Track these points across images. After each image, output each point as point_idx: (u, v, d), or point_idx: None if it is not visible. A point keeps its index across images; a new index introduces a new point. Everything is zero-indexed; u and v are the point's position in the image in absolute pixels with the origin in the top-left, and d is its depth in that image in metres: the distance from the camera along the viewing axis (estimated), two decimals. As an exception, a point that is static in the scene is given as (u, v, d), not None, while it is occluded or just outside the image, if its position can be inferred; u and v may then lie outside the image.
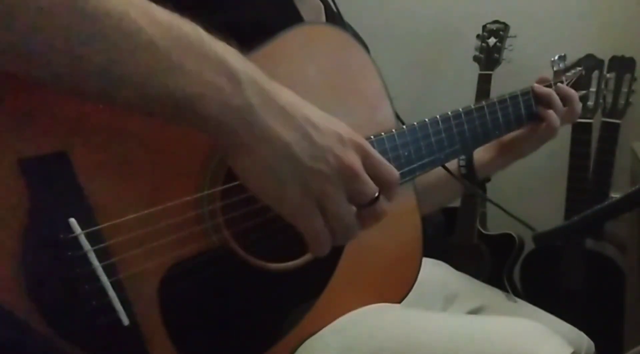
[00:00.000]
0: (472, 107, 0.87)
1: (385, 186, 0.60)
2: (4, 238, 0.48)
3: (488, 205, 1.91)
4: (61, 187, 0.51)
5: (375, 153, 0.59)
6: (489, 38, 1.83)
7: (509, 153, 1.00)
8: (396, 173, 0.61)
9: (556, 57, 1.07)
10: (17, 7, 0.43)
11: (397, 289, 0.79)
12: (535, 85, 0.97)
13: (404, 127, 0.75)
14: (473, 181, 0.99)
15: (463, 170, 0.99)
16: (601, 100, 1.69)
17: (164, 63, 0.48)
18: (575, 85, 1.04)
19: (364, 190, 0.58)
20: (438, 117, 0.81)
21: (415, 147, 0.76)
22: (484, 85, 1.80)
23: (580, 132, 1.68)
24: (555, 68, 1.05)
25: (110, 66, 0.47)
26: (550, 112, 0.95)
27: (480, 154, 0.99)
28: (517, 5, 1.92)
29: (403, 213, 0.80)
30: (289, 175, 0.54)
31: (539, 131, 0.97)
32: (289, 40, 0.68)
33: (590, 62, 1.58)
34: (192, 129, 0.53)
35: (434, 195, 0.97)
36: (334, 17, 0.87)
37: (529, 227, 0.84)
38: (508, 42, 1.83)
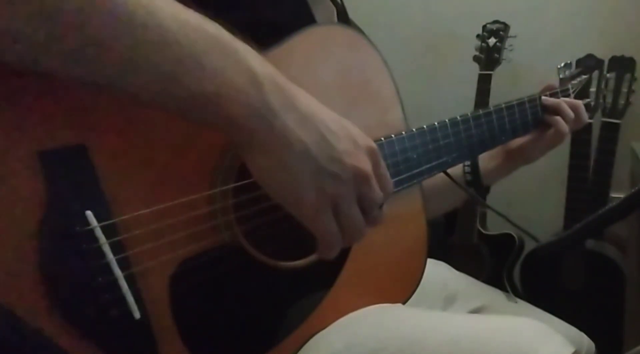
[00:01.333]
0: (480, 112, 0.88)
1: (384, 195, 0.61)
2: (21, 228, 0.49)
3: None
4: (79, 180, 0.52)
5: (382, 161, 0.61)
6: (489, 38, 1.83)
7: (515, 160, 1.00)
8: (392, 185, 0.63)
9: (562, 65, 1.07)
10: (53, 8, 0.44)
11: (402, 290, 0.80)
12: (543, 97, 0.97)
13: (413, 129, 0.76)
14: (478, 187, 1.00)
15: (468, 177, 0.99)
16: (601, 100, 1.69)
17: (188, 63, 0.49)
18: (581, 93, 1.05)
19: (373, 195, 0.59)
20: (447, 120, 0.82)
21: (424, 149, 0.77)
22: (484, 85, 1.80)
23: (580, 132, 1.67)
24: (561, 76, 1.05)
25: (135, 64, 0.48)
26: (559, 118, 0.95)
27: (486, 160, 1.00)
28: (517, 5, 1.92)
29: (409, 215, 0.81)
30: (306, 176, 0.55)
31: (546, 137, 0.97)
32: (302, 41, 0.68)
33: (590, 62, 1.59)
34: (211, 128, 0.54)
35: (439, 200, 0.98)
36: (346, 19, 0.87)
37: (533, 237, 0.84)
38: (508, 42, 1.83)
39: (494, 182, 1.03)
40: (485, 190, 1.03)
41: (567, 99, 1.00)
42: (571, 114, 0.96)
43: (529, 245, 1.87)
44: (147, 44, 0.48)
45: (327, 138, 0.56)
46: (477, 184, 1.00)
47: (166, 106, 0.52)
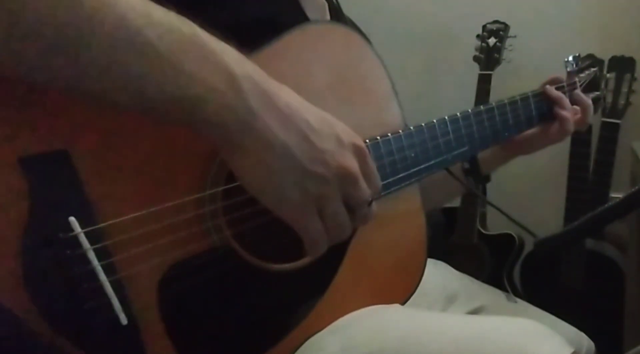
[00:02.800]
0: (482, 108, 0.87)
1: (372, 194, 0.61)
2: (3, 235, 0.48)
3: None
4: (61, 186, 0.51)
5: (370, 160, 0.60)
6: (489, 38, 1.82)
7: (514, 150, 1.00)
8: (380, 184, 0.62)
9: (570, 58, 1.06)
10: (16, 11, 0.43)
11: (401, 290, 0.79)
12: (547, 86, 0.97)
13: (411, 127, 0.75)
14: (477, 175, 0.99)
15: (466, 165, 0.98)
16: (601, 100, 1.69)
17: (163, 65, 0.48)
18: (589, 86, 1.04)
19: (359, 194, 0.59)
20: (446, 118, 0.80)
21: (423, 148, 0.76)
22: (484, 85, 1.80)
23: (580, 132, 1.68)
24: (568, 69, 1.04)
25: (110, 67, 0.47)
26: (565, 114, 0.95)
27: (484, 151, 0.99)
28: (517, 5, 1.92)
29: (407, 214, 0.80)
30: (288, 177, 0.54)
31: (549, 132, 0.97)
32: (294, 40, 0.67)
33: (590, 62, 1.58)
34: (191, 130, 0.53)
35: (437, 192, 0.96)
36: (337, 16, 0.86)
37: (530, 232, 0.84)
38: (508, 42, 1.83)
39: (492, 170, 1.03)
40: (486, 178, 1.02)
41: (578, 93, 0.99)
42: (571, 112, 0.96)
43: (529, 245, 1.86)
44: (118, 47, 0.47)
45: (309, 137, 0.55)
46: (475, 172, 0.98)
47: (143, 110, 0.50)
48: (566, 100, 0.96)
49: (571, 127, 0.96)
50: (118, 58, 0.47)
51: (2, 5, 0.43)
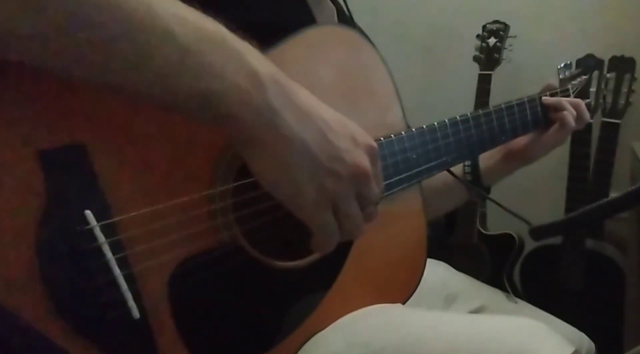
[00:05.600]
0: (480, 112, 0.88)
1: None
2: (20, 228, 0.49)
3: (488, 204, 1.91)
4: (78, 179, 0.52)
5: (379, 160, 0.61)
6: (489, 38, 1.83)
7: (515, 160, 1.00)
8: (383, 185, 0.64)
9: (562, 65, 1.07)
10: (41, 7, 0.44)
11: (401, 290, 0.80)
12: (544, 97, 0.98)
13: (413, 129, 0.76)
14: (478, 187, 1.00)
15: (468, 177, 0.99)
16: (601, 100, 1.69)
17: (188, 61, 0.49)
18: (581, 93, 1.05)
19: (370, 193, 0.60)
20: (447, 120, 0.82)
21: (424, 149, 0.77)
22: (484, 85, 1.80)
23: (580, 132, 1.67)
24: (561, 76, 1.05)
25: (136, 61, 0.48)
26: (564, 112, 0.96)
27: (485, 160, 1.00)
28: (517, 5, 1.92)
29: (409, 215, 0.81)
30: (306, 173, 0.55)
31: (547, 136, 0.97)
32: (301, 41, 0.68)
33: (590, 62, 1.59)
34: (212, 126, 0.54)
35: (439, 200, 0.98)
36: (346, 20, 0.87)
37: (526, 221, 0.85)
38: (508, 42, 1.83)
39: (494, 182, 1.04)
40: (486, 190, 1.03)
41: (567, 98, 1.00)
42: (573, 111, 0.97)
43: (529, 245, 1.87)
44: (147, 42, 0.48)
45: (327, 136, 0.56)
46: (477, 184, 1.00)
47: (166, 104, 0.52)
48: (566, 102, 0.97)
49: (572, 122, 0.96)
50: (146, 53, 0.48)
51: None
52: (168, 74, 0.49)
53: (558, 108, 0.97)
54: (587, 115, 0.99)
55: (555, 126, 0.97)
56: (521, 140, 0.98)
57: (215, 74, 0.50)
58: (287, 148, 0.54)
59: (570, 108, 0.97)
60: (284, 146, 0.54)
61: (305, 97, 0.56)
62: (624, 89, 1.70)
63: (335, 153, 0.56)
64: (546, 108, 0.97)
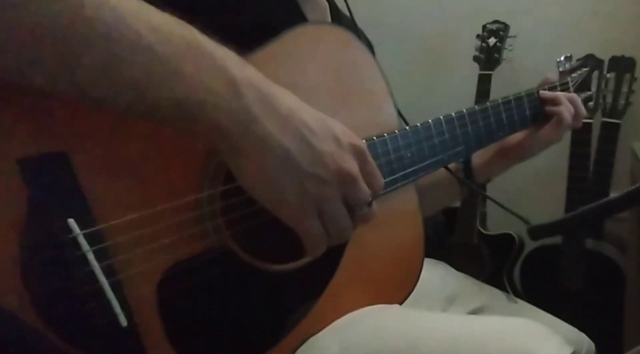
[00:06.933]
0: (476, 108, 0.87)
1: (373, 193, 0.61)
2: (2, 237, 0.48)
3: (488, 204, 1.91)
4: (60, 187, 0.51)
5: (371, 159, 0.60)
6: (489, 38, 1.82)
7: (509, 156, 0.99)
8: (382, 182, 0.62)
9: (562, 58, 1.06)
10: (15, 18, 0.43)
11: (399, 290, 0.79)
12: (541, 91, 0.96)
13: (407, 127, 0.75)
14: (475, 185, 0.99)
15: (461, 174, 0.98)
16: (601, 100, 1.69)
17: (163, 69, 0.49)
18: (581, 86, 1.03)
19: (360, 195, 0.59)
20: (442, 118, 0.81)
21: (418, 148, 0.76)
22: (484, 85, 1.80)
23: (580, 132, 1.68)
24: (560, 69, 1.05)
25: (109, 72, 0.47)
26: (561, 108, 0.94)
27: (479, 157, 0.98)
28: (517, 5, 1.92)
29: (405, 214, 0.80)
30: (288, 179, 0.55)
31: (543, 132, 0.96)
32: (291, 40, 0.67)
33: (590, 62, 1.58)
34: (191, 134, 0.53)
35: (434, 197, 0.97)
36: (338, 17, 0.87)
37: (524, 220, 0.84)
38: (508, 42, 1.83)
39: (487, 179, 1.02)
40: (480, 187, 1.01)
41: (564, 93, 0.98)
42: (570, 106, 0.95)
43: (529, 245, 1.86)
44: (118, 50, 0.47)
45: (308, 140, 0.55)
46: (470, 181, 0.98)
47: (143, 114, 0.51)
48: (562, 97, 0.95)
49: (568, 118, 0.94)
50: (118, 62, 0.47)
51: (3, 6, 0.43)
52: (140, 84, 0.48)
53: (555, 103, 0.95)
54: (583, 110, 0.97)
55: (552, 122, 0.95)
56: (516, 137, 0.96)
57: (190, 82, 0.50)
58: (268, 154, 0.53)
59: (567, 103, 0.95)
60: (264, 153, 0.53)
61: (287, 101, 0.55)
62: (624, 89, 1.70)
63: (317, 157, 0.55)
64: (543, 102, 0.96)
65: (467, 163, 0.98)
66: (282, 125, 0.54)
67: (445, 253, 1.76)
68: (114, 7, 0.47)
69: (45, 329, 0.50)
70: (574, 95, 0.98)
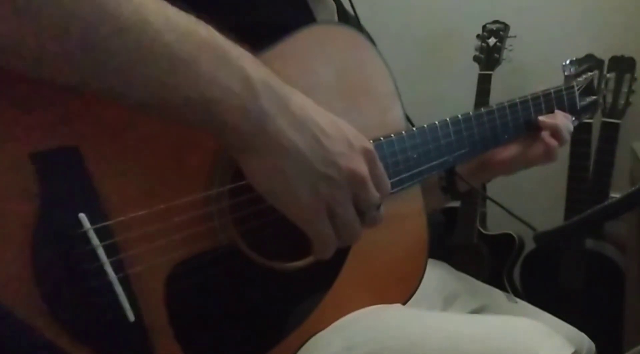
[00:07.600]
0: (483, 110, 0.87)
1: (381, 196, 0.61)
2: (14, 231, 0.48)
3: (488, 204, 1.91)
4: (72, 182, 0.52)
5: (379, 162, 0.61)
6: (489, 38, 1.83)
7: (493, 170, 0.96)
8: (389, 186, 0.63)
9: (567, 62, 1.06)
10: (40, 6, 0.43)
11: (402, 290, 0.79)
12: (540, 118, 0.94)
13: (414, 129, 0.76)
14: (453, 193, 0.96)
15: (443, 182, 0.95)
16: (601, 100, 1.69)
17: (181, 67, 0.49)
18: (587, 91, 1.03)
19: (369, 197, 0.59)
20: (448, 119, 0.81)
21: (424, 149, 0.76)
22: (484, 85, 1.80)
23: (580, 132, 1.68)
24: (566, 73, 1.04)
25: (127, 68, 0.47)
26: (551, 142, 0.92)
27: (462, 168, 0.94)
28: (517, 5, 1.92)
29: (409, 214, 0.81)
30: (300, 179, 0.55)
31: (530, 153, 0.94)
32: (300, 40, 0.68)
33: (590, 62, 1.58)
34: (205, 131, 0.54)
35: (433, 196, 0.96)
36: (346, 18, 0.87)
37: (530, 227, 0.84)
38: (508, 42, 1.83)
39: (466, 188, 0.98)
40: (460, 194, 0.98)
41: (547, 118, 0.95)
42: (566, 137, 0.94)
43: (529, 245, 1.87)
44: (138, 49, 0.47)
45: (321, 141, 0.56)
46: (451, 190, 0.95)
47: (158, 111, 0.51)
48: (563, 133, 0.93)
49: (554, 157, 0.93)
50: (136, 59, 0.47)
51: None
52: (157, 82, 0.49)
53: (554, 135, 0.93)
54: (565, 138, 0.94)
55: (543, 153, 0.93)
56: (503, 152, 0.94)
57: (206, 81, 0.50)
58: (280, 154, 0.54)
59: (565, 135, 0.93)
60: (276, 152, 0.53)
61: (299, 101, 0.56)
62: (624, 89, 1.70)
63: (330, 157, 0.56)
64: (540, 128, 0.93)
65: (450, 172, 0.94)
66: (295, 125, 0.54)
67: (445, 253, 1.76)
68: (135, 6, 0.47)
69: (54, 324, 0.50)
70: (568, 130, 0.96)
